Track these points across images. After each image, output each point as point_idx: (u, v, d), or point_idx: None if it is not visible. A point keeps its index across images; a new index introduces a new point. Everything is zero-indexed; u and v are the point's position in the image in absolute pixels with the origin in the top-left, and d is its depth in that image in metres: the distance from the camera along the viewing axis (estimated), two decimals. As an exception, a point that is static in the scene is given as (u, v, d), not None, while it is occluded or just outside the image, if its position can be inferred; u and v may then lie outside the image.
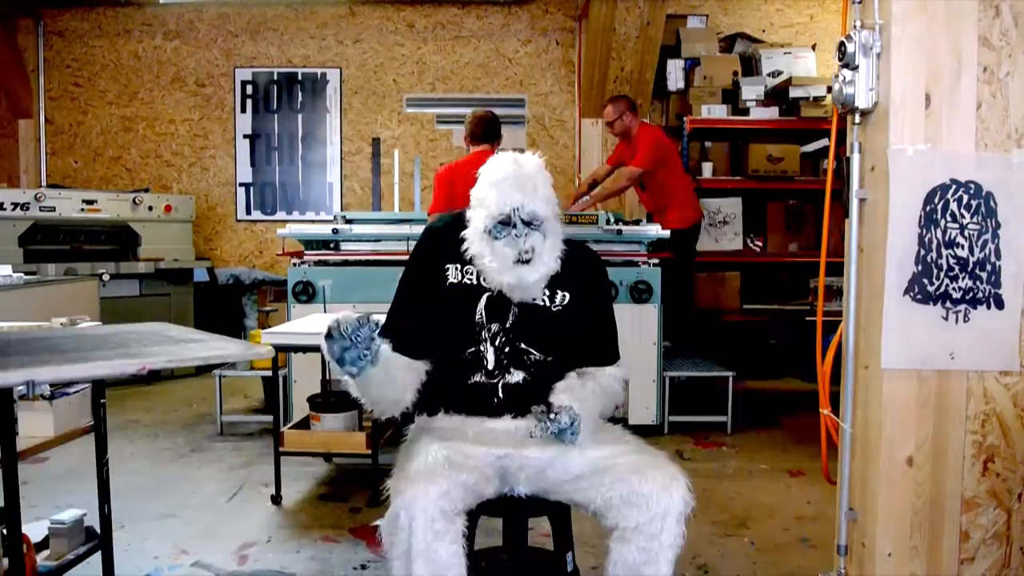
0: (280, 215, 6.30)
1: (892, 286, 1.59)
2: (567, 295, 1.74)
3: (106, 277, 4.76)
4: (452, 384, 1.72)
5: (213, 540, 2.57)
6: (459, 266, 1.74)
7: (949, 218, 1.59)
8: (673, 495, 1.47)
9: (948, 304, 1.61)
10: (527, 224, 1.66)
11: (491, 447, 1.59)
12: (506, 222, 1.66)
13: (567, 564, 1.70)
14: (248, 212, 6.34)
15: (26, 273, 4.11)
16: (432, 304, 1.74)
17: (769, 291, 5.35)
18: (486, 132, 3.78)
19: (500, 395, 1.69)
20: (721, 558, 2.45)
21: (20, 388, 1.27)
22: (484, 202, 1.68)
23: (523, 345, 1.71)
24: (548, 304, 1.73)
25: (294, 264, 3.82)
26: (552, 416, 1.54)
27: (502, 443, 1.61)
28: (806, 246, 5.24)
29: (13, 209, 4.95)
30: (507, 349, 1.70)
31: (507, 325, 1.70)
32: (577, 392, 1.65)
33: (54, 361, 1.32)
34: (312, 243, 3.95)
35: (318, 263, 3.83)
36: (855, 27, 1.60)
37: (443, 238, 1.78)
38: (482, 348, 1.70)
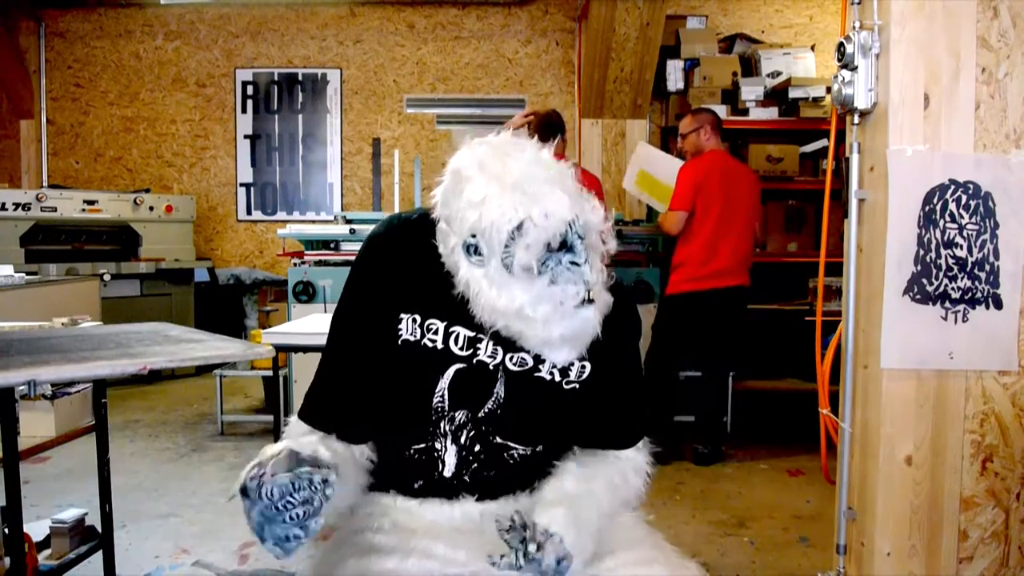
0: (281, 215, 6.31)
1: (891, 286, 1.60)
2: (587, 366, 1.17)
3: (107, 277, 4.76)
4: (394, 480, 1.19)
5: (214, 539, 2.57)
6: (417, 317, 1.14)
7: (948, 218, 1.60)
8: None
9: (947, 304, 1.62)
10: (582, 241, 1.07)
11: (443, 562, 1.08)
12: (562, 246, 1.04)
13: None
14: (249, 212, 6.34)
15: (27, 273, 4.12)
16: (374, 366, 1.15)
17: (768, 291, 5.35)
18: (543, 131, 3.52)
19: (465, 478, 1.16)
20: (721, 557, 2.45)
21: (22, 388, 1.27)
22: (516, 222, 1.02)
23: (499, 440, 1.15)
24: (558, 379, 1.16)
25: (294, 264, 3.83)
26: (529, 550, 0.99)
27: (460, 545, 1.11)
28: (805, 246, 5.24)
29: (15, 209, 4.96)
30: (477, 447, 1.15)
31: (480, 414, 1.14)
32: (576, 509, 1.09)
33: (55, 361, 1.32)
34: (312, 243, 3.96)
35: (318, 263, 3.84)
36: (854, 28, 1.61)
37: (395, 264, 1.16)
38: (437, 446, 1.14)
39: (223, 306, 6.06)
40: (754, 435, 3.98)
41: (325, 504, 0.95)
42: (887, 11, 1.58)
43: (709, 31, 5.83)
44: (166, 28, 6.22)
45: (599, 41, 5.33)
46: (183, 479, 3.22)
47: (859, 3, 1.61)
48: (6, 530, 1.75)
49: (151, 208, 5.50)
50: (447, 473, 1.14)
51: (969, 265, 1.62)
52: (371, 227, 1.33)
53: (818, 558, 2.42)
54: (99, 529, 2.09)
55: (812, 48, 5.74)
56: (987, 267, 1.62)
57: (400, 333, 1.14)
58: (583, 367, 1.17)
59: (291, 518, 0.93)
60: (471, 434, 1.15)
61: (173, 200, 5.68)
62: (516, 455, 1.16)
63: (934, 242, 1.60)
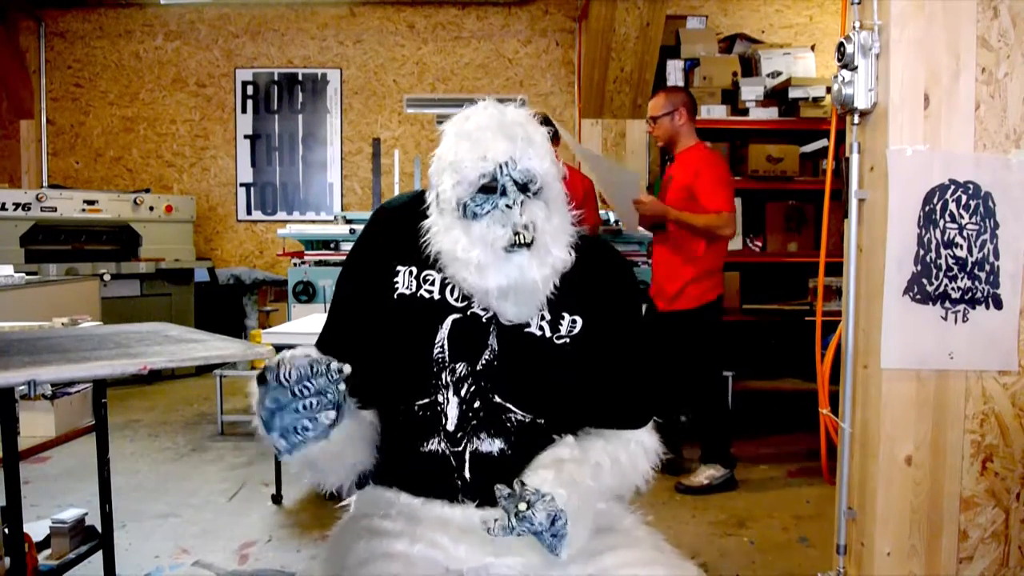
0: (281, 215, 6.31)
1: (891, 286, 1.60)
2: (578, 320, 1.16)
3: (107, 277, 4.77)
4: (399, 450, 1.17)
5: (214, 539, 2.57)
6: (413, 269, 1.18)
7: (948, 218, 1.60)
8: None
9: (947, 304, 1.62)
10: (522, 188, 1.11)
11: (447, 554, 1.08)
12: (490, 187, 1.10)
13: None
14: (249, 212, 6.35)
15: (27, 273, 4.12)
16: (374, 324, 1.18)
17: (769, 291, 5.35)
18: None
19: (466, 473, 1.13)
20: (720, 557, 2.45)
21: (22, 388, 1.27)
22: (454, 164, 1.11)
23: (498, 399, 1.14)
24: (548, 334, 1.16)
25: (294, 264, 3.83)
26: (520, 508, 0.99)
27: (461, 542, 1.09)
28: (805, 246, 5.24)
29: (15, 209, 4.96)
30: (477, 403, 1.14)
31: (478, 367, 1.14)
32: (568, 470, 1.07)
33: (55, 361, 1.32)
34: (312, 243, 3.96)
35: (318, 263, 3.85)
36: (854, 28, 1.61)
37: (395, 225, 1.22)
38: (440, 399, 1.14)
39: (223, 306, 6.06)
40: (754, 435, 3.98)
41: (338, 397, 0.98)
42: (887, 11, 1.58)
43: (709, 31, 5.82)
44: (166, 28, 6.22)
45: (599, 41, 5.33)
46: (183, 479, 3.22)
47: (859, 3, 1.61)
48: (6, 530, 1.75)
49: (151, 208, 5.50)
50: (450, 427, 1.13)
51: (969, 265, 1.62)
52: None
53: (818, 558, 2.42)
54: (99, 529, 2.09)
55: (812, 48, 5.73)
56: (987, 267, 1.62)
57: (396, 286, 1.17)
58: (574, 321, 1.16)
59: (304, 407, 0.95)
60: (471, 388, 1.14)
61: (173, 200, 5.68)
62: (515, 419, 1.14)
63: (934, 242, 1.60)
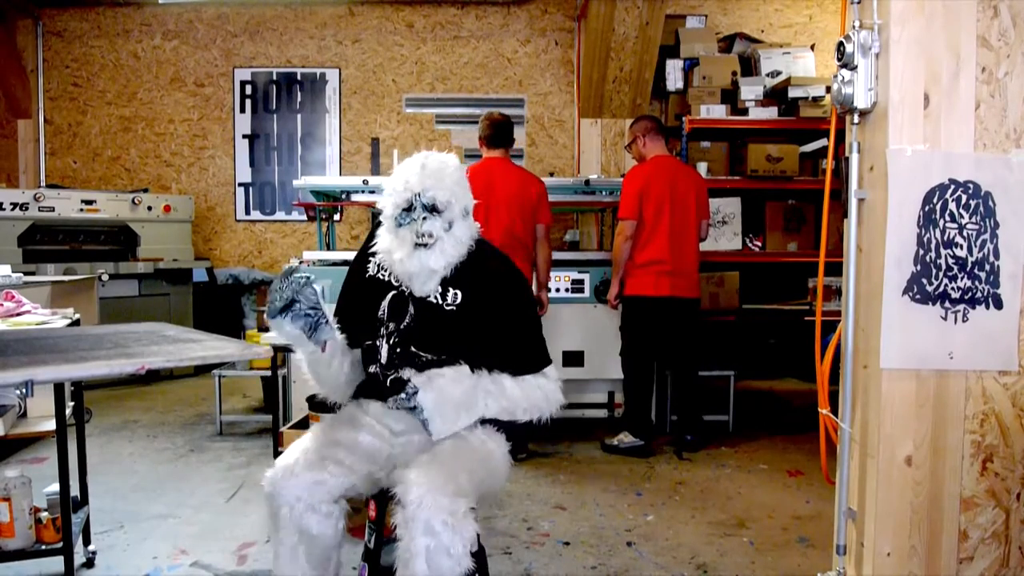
0: (279, 215, 6.30)
1: (891, 286, 1.59)
2: (459, 293, 1.72)
3: (105, 277, 4.75)
4: (363, 370, 1.81)
5: (212, 540, 2.57)
6: (379, 260, 1.79)
7: (948, 218, 1.60)
8: (418, 519, 1.41)
9: (947, 304, 1.61)
10: (429, 209, 1.68)
11: (374, 428, 1.72)
12: (408, 208, 1.69)
13: None
14: (247, 212, 6.34)
15: (25, 273, 4.10)
16: (357, 293, 1.84)
17: (768, 291, 5.35)
18: (497, 136, 3.52)
19: (388, 385, 1.70)
20: (720, 557, 2.45)
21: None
22: (390, 191, 1.72)
23: (413, 348, 1.71)
24: (440, 302, 1.72)
25: (294, 263, 3.84)
26: (404, 392, 1.61)
27: (375, 427, 1.73)
28: (805, 246, 5.24)
29: (12, 209, 4.95)
30: (398, 350, 1.72)
31: (402, 326, 1.72)
32: (430, 373, 1.64)
33: (53, 361, 1.32)
34: (325, 195, 4.25)
35: (318, 263, 3.85)
36: (854, 27, 1.60)
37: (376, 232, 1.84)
38: (378, 343, 1.74)
39: (221, 306, 6.05)
40: (754, 435, 3.98)
41: (321, 317, 1.62)
42: (887, 10, 1.57)
43: (708, 30, 5.83)
44: (164, 27, 6.22)
45: (598, 40, 5.33)
46: (181, 479, 3.21)
47: (859, 2, 1.60)
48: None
49: (149, 208, 5.50)
50: (383, 360, 1.74)
51: (969, 265, 1.61)
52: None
53: (818, 558, 2.42)
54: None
55: (812, 47, 5.74)
56: (987, 267, 1.62)
57: (368, 270, 1.83)
58: (456, 294, 1.73)
59: (306, 311, 1.61)
60: (395, 339, 1.73)
61: (171, 200, 5.67)
62: (424, 359, 1.70)
63: (934, 242, 1.60)
